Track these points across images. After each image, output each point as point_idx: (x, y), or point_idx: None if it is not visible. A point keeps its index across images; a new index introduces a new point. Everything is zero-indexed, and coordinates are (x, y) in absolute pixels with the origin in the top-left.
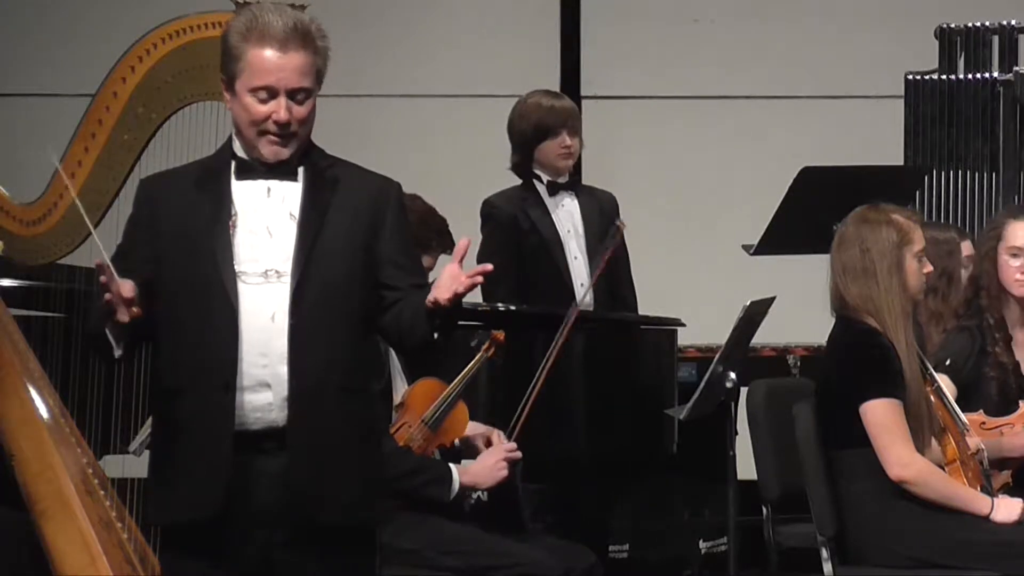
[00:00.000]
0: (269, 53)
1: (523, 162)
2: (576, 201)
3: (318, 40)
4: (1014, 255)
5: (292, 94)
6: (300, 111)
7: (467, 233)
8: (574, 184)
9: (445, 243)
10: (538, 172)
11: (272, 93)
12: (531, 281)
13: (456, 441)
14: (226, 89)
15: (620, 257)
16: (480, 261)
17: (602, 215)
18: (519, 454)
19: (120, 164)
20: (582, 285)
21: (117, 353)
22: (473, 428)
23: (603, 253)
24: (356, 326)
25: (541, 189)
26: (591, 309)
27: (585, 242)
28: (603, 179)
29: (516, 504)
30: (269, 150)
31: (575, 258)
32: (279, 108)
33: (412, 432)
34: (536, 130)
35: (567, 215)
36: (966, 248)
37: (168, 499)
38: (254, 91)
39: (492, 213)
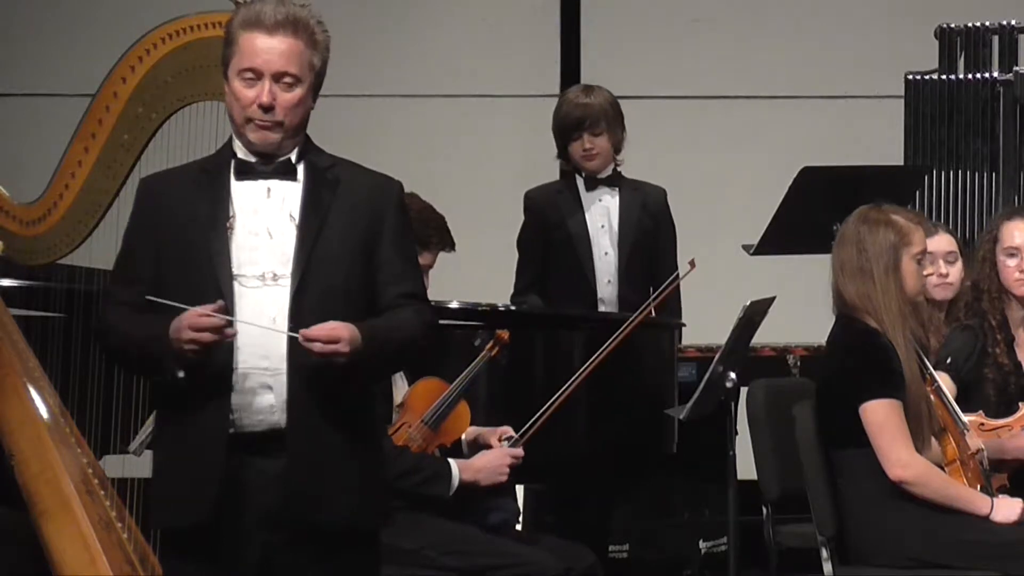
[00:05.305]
0: (257, 36)
1: (562, 157)
2: (617, 197)
3: (315, 33)
4: (1011, 255)
5: (277, 78)
6: (286, 97)
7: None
8: (617, 179)
9: (444, 240)
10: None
11: (257, 75)
12: (553, 275)
13: (463, 438)
14: (225, 81)
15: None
16: (517, 246)
17: (644, 210)
18: (521, 452)
19: (120, 164)
20: (608, 282)
21: (180, 375)
22: (479, 430)
23: (662, 291)
24: None
25: (580, 183)
26: (615, 309)
27: (619, 238)
28: None
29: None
30: (256, 135)
31: (605, 254)
32: (262, 91)
33: (412, 432)
34: (559, 130)
35: (602, 210)
36: (945, 242)
37: (166, 502)
38: (241, 74)
39: (527, 205)
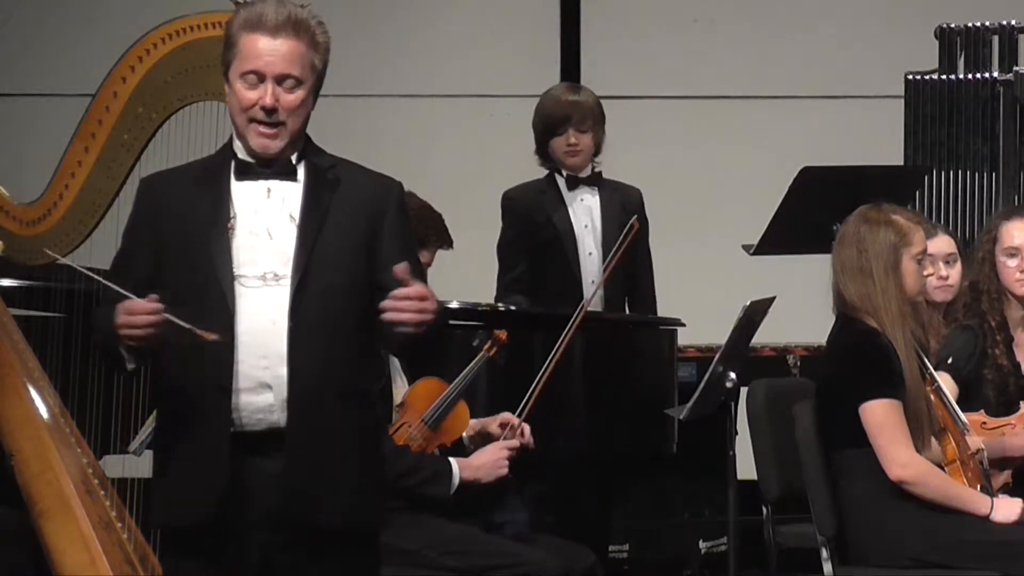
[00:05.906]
0: (259, 39)
1: (542, 155)
2: (597, 196)
3: (316, 34)
4: (1011, 255)
5: (280, 80)
6: (288, 99)
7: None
8: (597, 179)
9: (442, 238)
10: (558, 166)
11: (260, 77)
12: (541, 274)
13: (465, 435)
14: (226, 82)
15: (641, 248)
16: (497, 252)
17: (624, 210)
18: (517, 443)
19: (120, 164)
20: (592, 282)
21: (130, 367)
22: (480, 422)
23: (616, 251)
24: (355, 327)
25: (561, 183)
26: (600, 309)
27: (602, 237)
28: None
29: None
30: (257, 142)
31: (589, 254)
32: (265, 93)
33: (412, 432)
34: (544, 125)
35: (585, 210)
36: (944, 244)
37: (167, 501)
38: (243, 76)
39: (507, 205)
